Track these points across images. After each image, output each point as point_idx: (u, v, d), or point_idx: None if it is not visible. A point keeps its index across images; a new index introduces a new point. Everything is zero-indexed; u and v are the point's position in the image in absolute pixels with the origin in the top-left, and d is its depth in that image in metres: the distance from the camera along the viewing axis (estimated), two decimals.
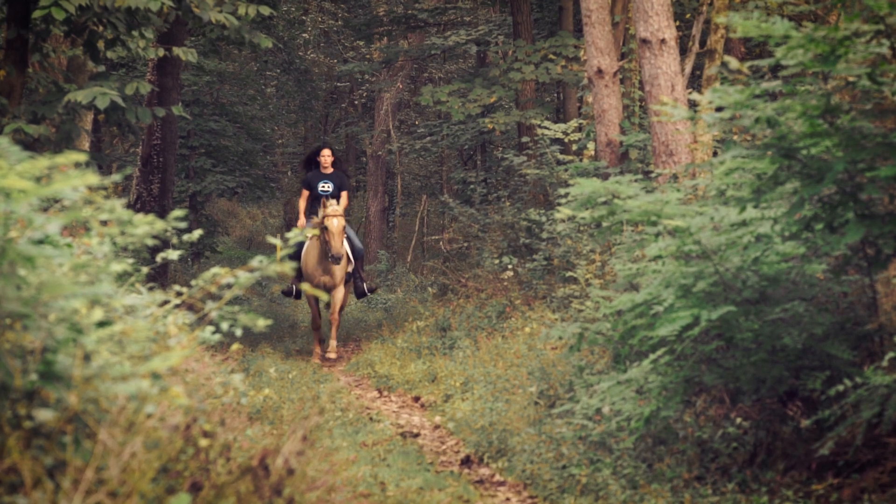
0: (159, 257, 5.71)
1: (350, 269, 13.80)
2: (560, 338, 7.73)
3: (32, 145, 10.94)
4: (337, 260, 12.95)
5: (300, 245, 13.85)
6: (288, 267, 4.15)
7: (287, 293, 14.21)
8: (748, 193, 5.83)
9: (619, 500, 5.89)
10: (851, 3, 6.14)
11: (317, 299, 13.79)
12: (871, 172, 5.37)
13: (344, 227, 13.17)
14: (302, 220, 14.13)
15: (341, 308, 13.84)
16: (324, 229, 13.03)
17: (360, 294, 14.08)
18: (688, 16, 14.43)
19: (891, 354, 5.29)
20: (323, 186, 13.90)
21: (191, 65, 21.10)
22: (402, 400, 10.53)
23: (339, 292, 13.62)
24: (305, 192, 14.15)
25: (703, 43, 13.55)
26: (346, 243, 13.56)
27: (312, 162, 14.20)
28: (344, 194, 13.74)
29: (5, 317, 3.49)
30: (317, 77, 28.01)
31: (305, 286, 4.40)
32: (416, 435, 8.77)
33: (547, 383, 8.13)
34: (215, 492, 3.89)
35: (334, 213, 13.06)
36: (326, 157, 14.04)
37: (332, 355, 13.38)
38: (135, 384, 3.52)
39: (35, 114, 11.30)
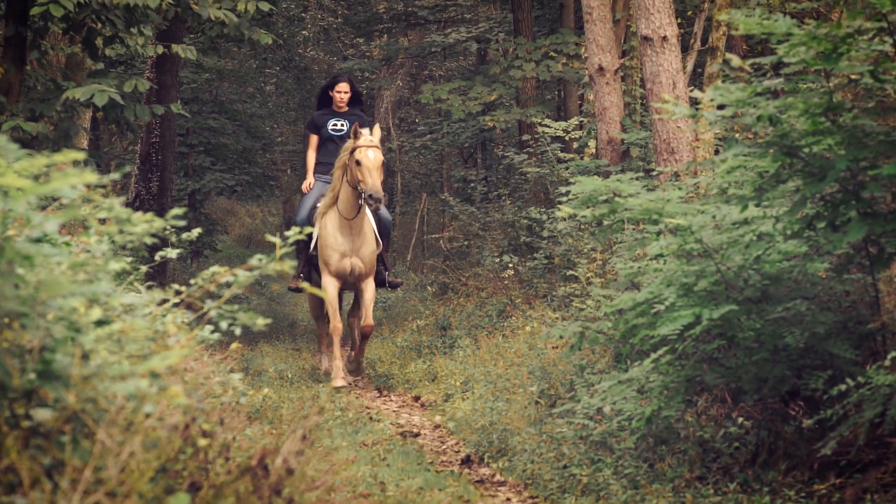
0: (158, 256, 5.69)
1: (378, 249, 10.59)
2: (561, 337, 7.70)
3: (30, 143, 10.90)
4: (376, 201, 9.61)
5: (310, 218, 10.64)
6: (287, 266, 4.12)
7: (296, 289, 10.90)
8: (750, 192, 5.81)
9: (620, 500, 5.87)
10: (854, 0, 6.11)
11: (336, 292, 10.36)
12: (874, 171, 5.35)
13: (383, 164, 9.91)
14: (310, 178, 10.96)
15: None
16: (356, 165, 9.84)
17: (381, 283, 10.88)
18: (689, 13, 14.41)
19: (893, 354, 5.27)
20: (335, 125, 10.84)
21: (190, 62, 21.06)
22: (402, 399, 10.51)
23: (370, 294, 10.45)
24: (313, 139, 11.01)
25: (704, 40, 13.53)
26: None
27: (324, 98, 11.15)
28: None
29: (3, 316, 3.46)
30: (316, 74, 27.97)
31: (305, 284, 4.13)
32: (416, 434, 8.75)
33: (548, 382, 8.11)
34: (214, 492, 3.87)
35: (368, 143, 9.93)
36: (342, 92, 10.91)
37: (342, 382, 10.23)
38: (133, 383, 3.50)
39: (33, 111, 11.26)
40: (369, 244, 10.26)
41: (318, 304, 11.07)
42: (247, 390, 4.90)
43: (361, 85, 27.23)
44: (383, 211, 10.51)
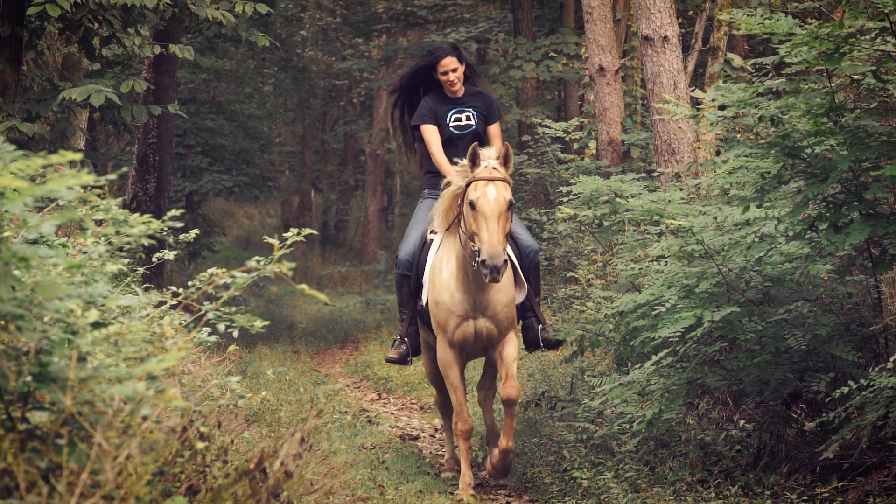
0: (155, 257, 5.66)
1: (522, 296, 7.00)
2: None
3: (27, 144, 10.86)
4: (493, 271, 6.20)
5: (413, 252, 7.19)
6: (285, 268, 4.05)
7: (399, 359, 7.23)
8: (751, 193, 5.79)
9: (620, 503, 5.83)
10: (856, 0, 6.09)
11: (460, 370, 6.87)
12: (876, 171, 5.32)
13: (510, 205, 6.52)
14: (453, 174, 6.81)
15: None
16: (469, 208, 6.49)
17: (532, 343, 7.11)
18: (690, 13, 14.38)
19: None
20: (458, 119, 7.29)
21: (187, 62, 21.00)
22: (402, 402, 10.47)
23: (512, 348, 6.76)
24: (433, 132, 7.19)
25: (705, 40, 13.50)
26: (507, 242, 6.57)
27: (424, 80, 7.45)
28: (495, 130, 7.42)
29: None
30: (315, 75, 27.91)
31: (303, 286, 3.63)
32: (416, 438, 8.72)
33: (548, 385, 8.07)
34: (212, 495, 3.84)
35: (490, 173, 6.53)
36: (452, 71, 7.22)
37: (466, 497, 6.52)
38: (130, 386, 3.46)
39: (30, 112, 11.22)
40: (504, 294, 6.71)
41: (438, 369, 7.15)
42: (245, 393, 4.86)
43: (360, 85, 27.12)
44: (524, 235, 7.19)
